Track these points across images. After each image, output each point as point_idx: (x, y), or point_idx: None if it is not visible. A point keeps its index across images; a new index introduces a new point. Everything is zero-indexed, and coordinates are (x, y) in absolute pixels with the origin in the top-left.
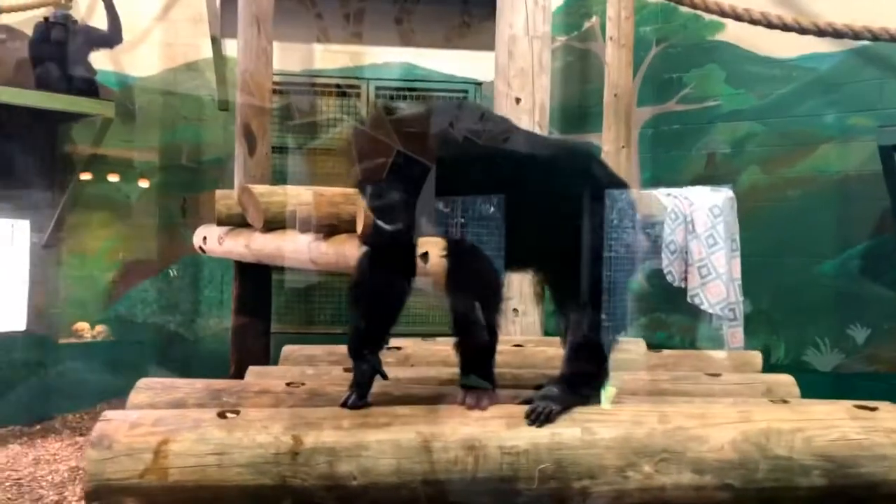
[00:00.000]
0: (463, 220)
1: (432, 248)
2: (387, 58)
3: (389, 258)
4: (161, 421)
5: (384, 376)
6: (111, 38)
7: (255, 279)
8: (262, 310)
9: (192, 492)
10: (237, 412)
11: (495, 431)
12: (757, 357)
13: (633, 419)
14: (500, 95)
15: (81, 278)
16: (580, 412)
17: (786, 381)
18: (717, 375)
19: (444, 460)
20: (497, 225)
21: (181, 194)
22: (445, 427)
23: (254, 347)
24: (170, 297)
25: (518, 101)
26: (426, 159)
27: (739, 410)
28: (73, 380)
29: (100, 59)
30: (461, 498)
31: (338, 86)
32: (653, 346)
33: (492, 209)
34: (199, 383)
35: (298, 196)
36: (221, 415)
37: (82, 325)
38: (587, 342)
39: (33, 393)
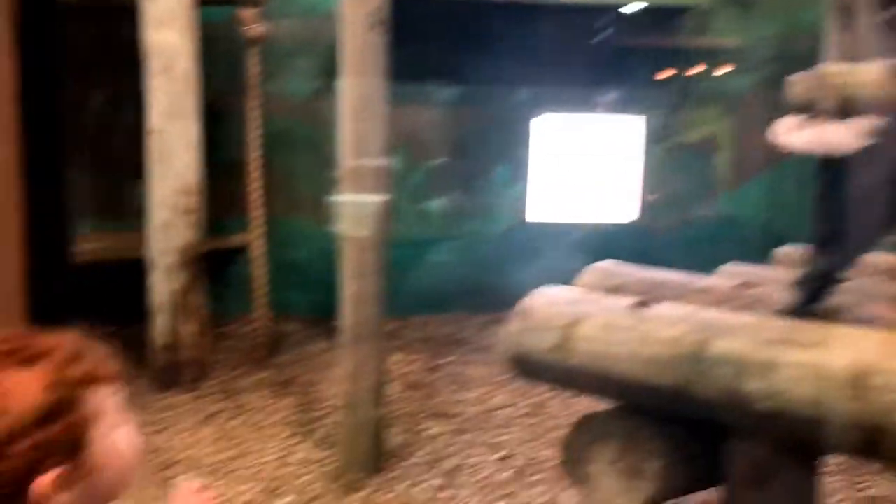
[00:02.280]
0: None
1: None
2: None
3: None
4: (577, 302)
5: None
6: None
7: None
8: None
9: (590, 377)
10: (655, 304)
11: None
12: None
13: None
14: None
15: (693, 173)
16: None
17: None
18: None
19: (885, 402)
20: None
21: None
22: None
23: None
24: (778, 195)
25: None
26: None
27: None
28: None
29: None
30: None
31: None
32: None
33: None
34: (648, 273)
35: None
36: (638, 305)
37: (682, 216)
38: None
39: None
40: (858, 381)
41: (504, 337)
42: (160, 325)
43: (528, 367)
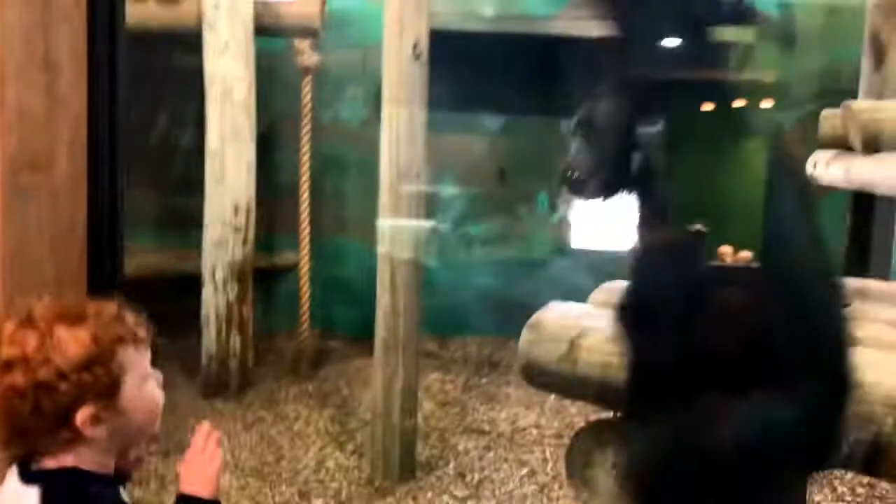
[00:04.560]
0: None
1: None
2: None
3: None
4: (585, 316)
5: None
6: None
7: (867, 211)
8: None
9: (595, 386)
10: None
11: None
12: None
13: None
14: None
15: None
16: None
17: None
18: None
19: None
20: None
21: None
22: None
23: None
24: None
25: None
26: None
27: None
28: None
29: None
30: None
31: None
32: None
33: None
34: None
35: None
36: None
37: (725, 249)
38: None
39: None
40: None
41: (519, 346)
42: (210, 336)
43: (539, 376)
